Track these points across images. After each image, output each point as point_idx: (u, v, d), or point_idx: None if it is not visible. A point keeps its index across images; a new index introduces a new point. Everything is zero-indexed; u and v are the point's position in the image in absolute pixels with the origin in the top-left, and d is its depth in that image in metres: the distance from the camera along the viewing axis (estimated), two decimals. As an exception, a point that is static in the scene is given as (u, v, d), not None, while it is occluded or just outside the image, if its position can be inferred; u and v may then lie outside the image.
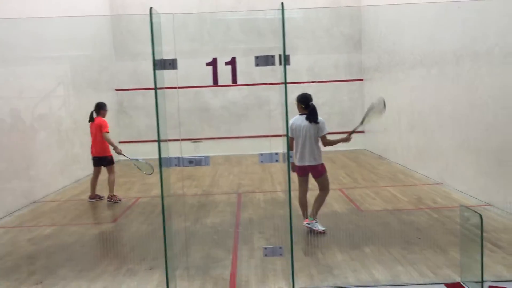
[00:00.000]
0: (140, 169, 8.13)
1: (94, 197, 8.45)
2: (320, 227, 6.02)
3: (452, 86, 8.15)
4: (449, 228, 6.04)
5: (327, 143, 6.00)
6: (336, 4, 14.24)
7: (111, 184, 8.33)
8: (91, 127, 8.38)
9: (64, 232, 6.60)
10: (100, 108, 8.39)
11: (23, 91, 8.56)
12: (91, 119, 8.36)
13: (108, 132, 8.21)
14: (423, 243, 5.51)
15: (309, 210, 6.20)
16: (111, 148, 8.32)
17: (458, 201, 7.33)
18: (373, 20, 13.16)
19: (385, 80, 12.19)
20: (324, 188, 6.18)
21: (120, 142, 14.10)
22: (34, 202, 8.53)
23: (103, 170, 8.43)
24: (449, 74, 8.29)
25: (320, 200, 6.16)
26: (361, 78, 14.23)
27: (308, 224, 6.07)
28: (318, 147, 6.05)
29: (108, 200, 8.32)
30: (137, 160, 8.11)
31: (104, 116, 8.42)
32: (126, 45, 13.95)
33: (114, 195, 8.36)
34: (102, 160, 8.36)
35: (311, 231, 6.01)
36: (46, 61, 9.69)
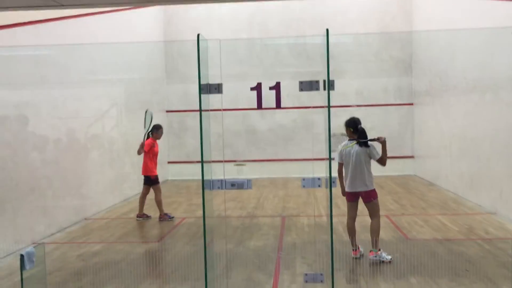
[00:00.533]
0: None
1: (142, 215, 8.64)
2: (386, 257, 5.80)
3: (507, 112, 7.85)
4: (502, 260, 5.74)
5: (384, 161, 5.88)
6: (385, 29, 14.13)
7: (158, 203, 8.52)
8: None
9: (112, 249, 6.79)
10: (154, 129, 8.67)
11: (79, 112, 8.97)
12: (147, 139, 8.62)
13: (145, 151, 8.48)
14: (474, 276, 5.27)
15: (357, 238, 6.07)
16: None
17: (513, 233, 6.98)
18: (425, 44, 12.94)
19: (436, 104, 11.90)
20: (374, 215, 6.00)
21: (169, 163, 14.47)
22: (85, 219, 8.83)
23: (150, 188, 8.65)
24: (503, 100, 8.00)
25: (375, 228, 5.95)
26: (411, 102, 13.95)
27: (375, 257, 5.83)
28: (370, 172, 5.96)
29: (160, 220, 8.49)
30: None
31: (157, 138, 8.69)
32: (177, 68, 14.38)
33: (164, 214, 8.52)
34: (146, 179, 8.60)
35: (375, 262, 5.82)
36: (101, 84, 10.14)
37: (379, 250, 5.84)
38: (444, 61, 11.11)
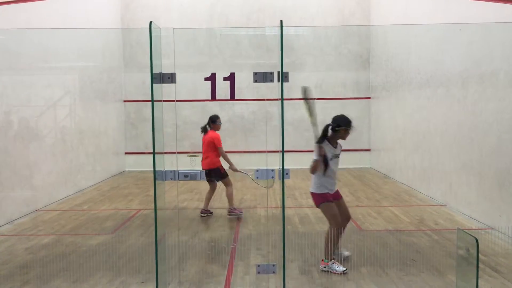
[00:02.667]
0: (256, 181, 7.70)
1: (207, 211, 8.11)
2: (337, 268, 5.18)
3: (457, 108, 8.11)
4: (449, 251, 5.94)
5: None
6: (345, 23, 14.30)
7: (229, 197, 8.01)
8: (203, 140, 8.08)
9: (63, 242, 6.61)
10: (213, 121, 8.05)
11: (30, 100, 8.66)
12: (205, 132, 8.08)
13: (221, 147, 7.93)
14: (421, 265, 5.43)
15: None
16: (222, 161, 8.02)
17: (460, 224, 7.23)
18: (382, 39, 13.18)
19: (392, 99, 12.16)
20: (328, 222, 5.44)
21: (126, 153, 14.21)
22: (36, 210, 8.56)
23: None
24: (454, 96, 8.25)
25: (325, 236, 5.38)
26: (369, 97, 14.21)
27: (324, 267, 5.27)
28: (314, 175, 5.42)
29: (228, 214, 8.01)
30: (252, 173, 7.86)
31: (217, 129, 8.05)
32: (135, 57, 14.09)
33: (234, 208, 8.04)
34: (212, 173, 7.95)
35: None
36: (54, 71, 9.81)
37: (331, 260, 5.26)
38: (400, 56, 11.36)
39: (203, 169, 7.90)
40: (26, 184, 8.45)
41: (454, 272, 4.84)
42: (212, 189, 8.20)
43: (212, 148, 7.92)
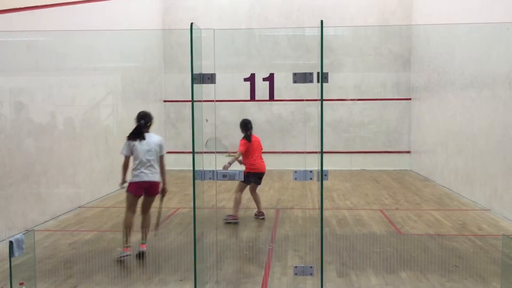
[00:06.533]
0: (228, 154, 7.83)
1: (236, 218, 7.89)
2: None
3: (503, 109, 7.84)
4: (494, 257, 5.75)
5: None
6: (385, 23, 14.07)
7: (258, 200, 8.07)
8: (256, 143, 7.92)
9: (104, 238, 6.78)
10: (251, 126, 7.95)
11: (75, 99, 8.93)
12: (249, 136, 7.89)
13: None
14: (464, 272, 5.27)
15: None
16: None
17: (506, 230, 6.99)
18: (424, 39, 12.89)
19: (433, 100, 11.87)
20: None
21: (166, 153, 14.44)
22: (79, 207, 8.82)
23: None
24: (500, 97, 7.98)
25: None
26: (409, 98, 13.92)
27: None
28: None
29: (261, 217, 7.97)
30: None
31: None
32: (175, 58, 14.31)
33: (261, 212, 8.05)
34: (260, 176, 7.96)
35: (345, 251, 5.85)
36: (97, 72, 10.09)
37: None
38: (443, 56, 11.07)
39: (263, 171, 7.93)
40: (70, 182, 8.72)
41: (499, 279, 4.70)
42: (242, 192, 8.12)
43: (260, 151, 7.94)
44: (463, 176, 9.77)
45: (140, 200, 6.05)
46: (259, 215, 8.01)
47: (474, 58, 9.16)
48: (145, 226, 6.06)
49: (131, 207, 5.93)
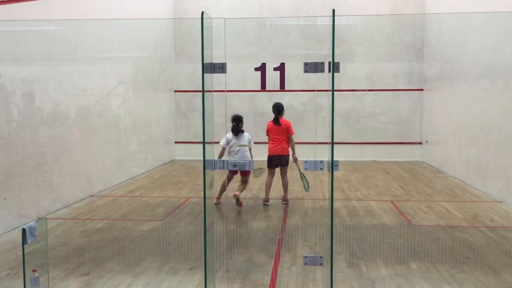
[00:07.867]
0: (303, 184, 8.11)
1: (268, 200, 8.24)
2: None
3: (517, 100, 7.73)
4: (505, 249, 5.71)
5: None
6: (398, 11, 13.91)
7: (287, 185, 8.36)
8: (274, 127, 8.29)
9: (116, 226, 6.85)
10: (283, 109, 8.40)
11: (87, 89, 8.97)
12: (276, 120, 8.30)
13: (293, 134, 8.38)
14: (475, 263, 5.24)
15: None
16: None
17: (518, 222, 6.94)
18: (437, 29, 12.73)
19: (446, 90, 11.75)
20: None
21: (176, 142, 14.50)
22: (91, 196, 8.90)
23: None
24: (514, 87, 7.87)
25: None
26: (421, 88, 13.79)
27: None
28: None
29: (284, 202, 8.24)
30: (303, 175, 8.12)
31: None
32: (186, 48, 14.30)
33: (287, 197, 8.30)
34: (283, 159, 8.23)
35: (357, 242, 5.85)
36: (109, 61, 10.12)
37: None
38: (456, 46, 10.93)
39: (275, 154, 8.19)
40: (82, 171, 8.79)
41: (510, 271, 4.67)
42: (272, 175, 8.35)
43: (286, 135, 8.26)
44: (475, 167, 9.69)
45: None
46: (284, 200, 8.28)
47: (487, 48, 9.04)
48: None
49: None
